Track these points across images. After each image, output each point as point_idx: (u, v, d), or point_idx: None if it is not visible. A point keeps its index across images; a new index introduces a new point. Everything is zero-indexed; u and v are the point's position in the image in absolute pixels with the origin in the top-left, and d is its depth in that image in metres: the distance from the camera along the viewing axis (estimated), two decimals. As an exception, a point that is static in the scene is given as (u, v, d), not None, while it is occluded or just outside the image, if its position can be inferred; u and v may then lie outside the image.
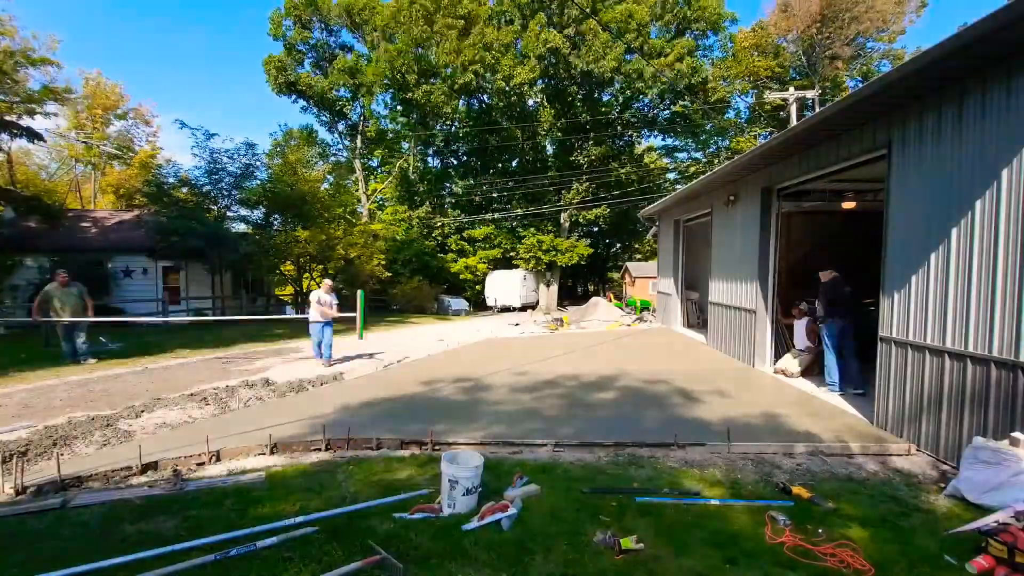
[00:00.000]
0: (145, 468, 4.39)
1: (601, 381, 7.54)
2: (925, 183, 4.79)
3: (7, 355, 10.41)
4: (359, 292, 9.36)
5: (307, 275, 23.86)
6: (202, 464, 4.56)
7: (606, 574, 2.80)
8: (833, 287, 6.87)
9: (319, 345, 9.28)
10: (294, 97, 31.71)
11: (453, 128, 33.14)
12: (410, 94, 28.90)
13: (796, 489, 3.77)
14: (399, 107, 32.84)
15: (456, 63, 27.03)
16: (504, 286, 29.44)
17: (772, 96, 17.26)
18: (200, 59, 70.41)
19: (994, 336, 4.00)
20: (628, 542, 3.00)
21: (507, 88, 27.56)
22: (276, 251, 19.67)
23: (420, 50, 28.84)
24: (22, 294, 16.80)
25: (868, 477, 4.20)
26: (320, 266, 22.36)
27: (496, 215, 32.33)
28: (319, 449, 4.90)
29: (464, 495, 3.48)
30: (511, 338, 13.74)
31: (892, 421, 5.13)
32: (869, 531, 3.26)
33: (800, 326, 7.98)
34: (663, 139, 37.05)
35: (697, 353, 10.32)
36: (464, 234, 32.56)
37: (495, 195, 33.22)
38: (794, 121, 14.49)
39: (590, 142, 30.37)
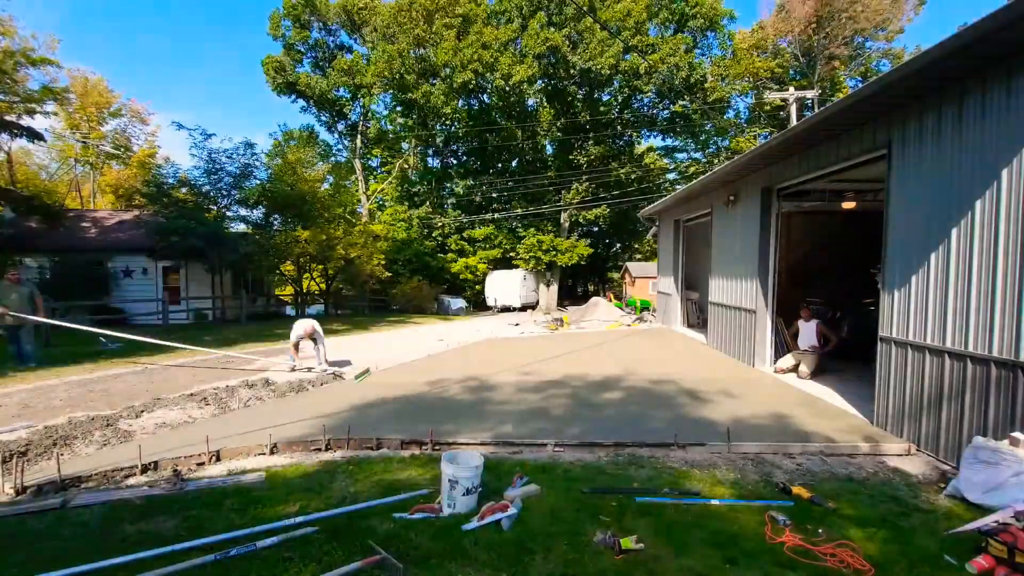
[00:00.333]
0: (145, 468, 4.39)
1: (607, 381, 7.54)
2: (925, 183, 4.79)
3: (7, 355, 10.41)
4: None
5: (307, 275, 23.88)
6: (202, 464, 4.56)
7: (606, 574, 2.80)
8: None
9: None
10: (294, 97, 31.76)
11: (453, 128, 33.14)
12: (410, 94, 28.92)
13: (796, 489, 3.77)
14: (399, 108, 32.86)
15: (455, 62, 27.04)
16: (504, 286, 29.45)
17: (772, 96, 17.28)
18: (200, 59, 70.42)
19: (994, 336, 4.01)
20: (628, 542, 3.00)
21: (507, 87, 27.56)
22: (276, 251, 19.67)
23: (419, 50, 28.85)
24: (22, 294, 16.78)
25: (868, 477, 4.20)
26: (320, 266, 22.37)
27: (496, 215, 32.33)
28: (319, 449, 4.90)
29: (464, 495, 3.48)
30: (512, 338, 13.74)
31: (892, 421, 5.13)
32: (869, 531, 3.25)
33: (807, 327, 7.98)
34: (663, 139, 37.12)
35: (698, 353, 10.32)
36: (464, 234, 32.56)
37: (495, 195, 33.22)
38: (794, 121, 14.49)
39: (590, 142, 30.37)
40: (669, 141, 36.62)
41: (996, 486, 3.52)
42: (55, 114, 26.31)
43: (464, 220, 32.70)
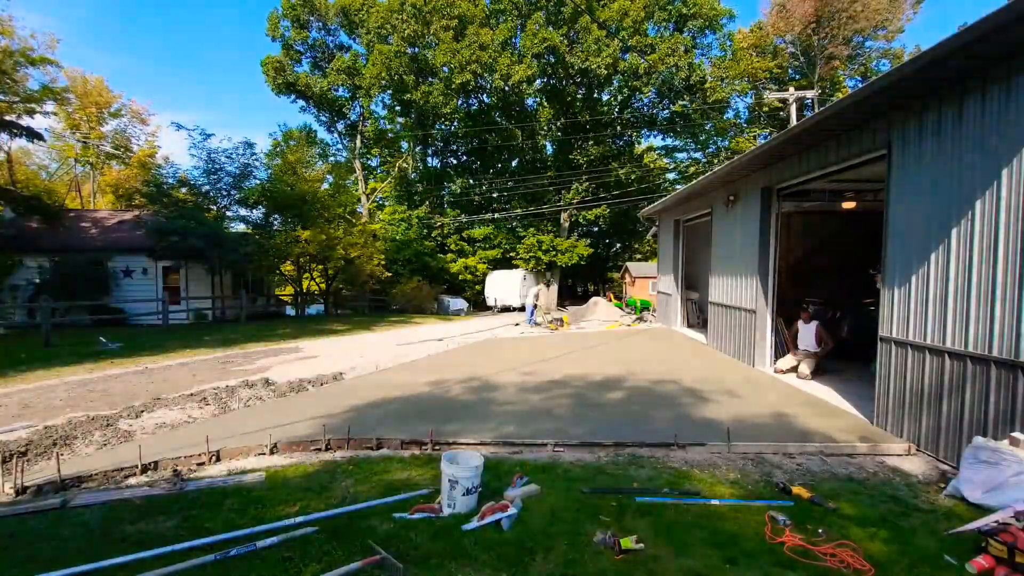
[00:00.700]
0: (145, 468, 4.39)
1: (609, 381, 7.54)
2: (925, 183, 4.79)
3: (7, 355, 10.41)
4: None
5: (307, 275, 23.88)
6: (202, 464, 4.56)
7: (606, 574, 2.80)
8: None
9: None
10: (293, 97, 31.78)
11: (452, 128, 33.15)
12: (408, 95, 28.92)
13: (796, 489, 3.77)
14: (397, 108, 32.86)
15: (453, 63, 27.05)
16: (504, 286, 29.43)
17: (772, 96, 17.28)
18: (199, 59, 70.41)
19: (994, 336, 4.01)
20: (628, 542, 3.00)
21: (506, 87, 27.56)
22: (276, 251, 19.68)
23: (415, 50, 28.85)
24: (22, 294, 16.81)
25: (868, 477, 4.20)
26: (320, 266, 22.37)
27: (496, 215, 32.32)
28: (319, 449, 4.90)
29: (464, 495, 3.48)
30: (512, 338, 13.74)
31: (892, 421, 5.13)
32: (869, 531, 3.26)
33: (806, 329, 7.97)
34: (663, 139, 37.11)
35: (698, 353, 10.32)
36: (464, 234, 32.56)
37: (495, 195, 33.19)
38: (794, 121, 14.49)
39: (590, 142, 30.37)
40: (669, 141, 36.67)
41: (996, 486, 3.52)
42: (55, 114, 26.30)
43: (464, 220, 32.70)
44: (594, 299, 24.21)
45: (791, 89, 15.65)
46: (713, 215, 10.78)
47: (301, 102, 32.38)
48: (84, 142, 32.14)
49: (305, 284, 24.35)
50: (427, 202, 32.91)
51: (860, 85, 6.66)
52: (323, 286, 24.01)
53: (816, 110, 6.07)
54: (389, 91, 30.83)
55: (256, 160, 20.31)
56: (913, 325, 4.89)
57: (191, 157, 23.48)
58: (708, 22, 29.21)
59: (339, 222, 22.82)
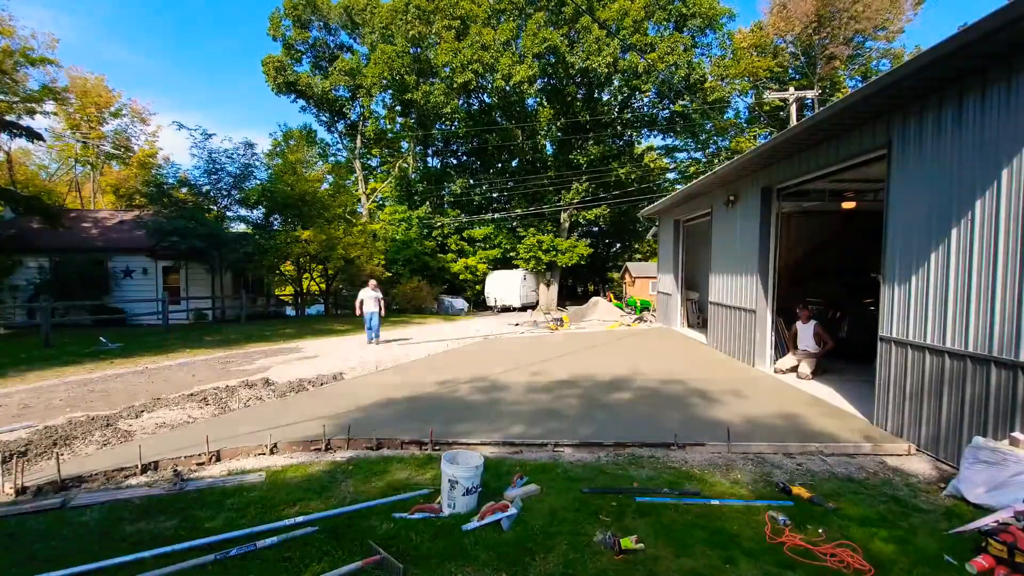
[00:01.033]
0: (145, 468, 4.39)
1: (615, 381, 7.52)
2: (925, 183, 4.79)
3: (7, 355, 10.42)
4: None
5: (307, 275, 23.88)
6: (202, 464, 4.56)
7: (606, 574, 2.80)
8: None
9: None
10: (293, 97, 31.76)
11: (453, 128, 33.14)
12: (409, 95, 28.93)
13: (796, 489, 3.77)
14: (398, 108, 32.85)
15: (455, 63, 27.06)
16: (504, 286, 29.43)
17: (772, 96, 17.27)
18: (199, 59, 70.40)
19: (994, 336, 4.00)
20: (628, 542, 3.00)
21: (507, 88, 27.55)
22: (276, 251, 19.70)
23: (417, 50, 28.83)
24: (22, 294, 16.82)
25: (868, 477, 4.20)
26: (320, 266, 22.37)
27: (496, 215, 32.31)
28: (319, 449, 4.90)
29: (464, 495, 3.48)
30: (513, 338, 13.74)
31: (892, 421, 5.13)
32: (869, 531, 3.25)
33: (805, 329, 7.97)
34: (663, 139, 37.11)
35: (699, 353, 10.31)
36: (464, 234, 32.55)
37: (495, 195, 33.16)
38: (794, 121, 14.49)
39: (590, 142, 30.37)
40: (669, 141, 36.62)
41: (996, 486, 3.52)
42: (55, 114, 26.33)
43: (464, 220, 32.70)
44: (594, 299, 24.22)
45: (791, 89, 15.66)
46: (713, 215, 10.77)
47: (301, 102, 32.37)
48: (84, 142, 32.15)
49: (305, 284, 24.34)
50: (427, 202, 32.91)
51: (860, 85, 6.65)
52: (323, 286, 24.01)
53: (816, 110, 6.07)
54: (390, 91, 30.83)
55: (256, 160, 20.33)
56: (913, 325, 4.89)
57: (192, 157, 23.49)
58: (708, 21, 29.21)
59: (339, 222, 22.83)
